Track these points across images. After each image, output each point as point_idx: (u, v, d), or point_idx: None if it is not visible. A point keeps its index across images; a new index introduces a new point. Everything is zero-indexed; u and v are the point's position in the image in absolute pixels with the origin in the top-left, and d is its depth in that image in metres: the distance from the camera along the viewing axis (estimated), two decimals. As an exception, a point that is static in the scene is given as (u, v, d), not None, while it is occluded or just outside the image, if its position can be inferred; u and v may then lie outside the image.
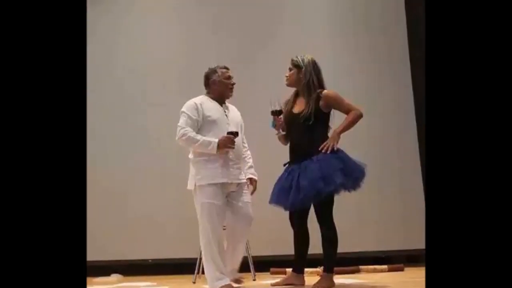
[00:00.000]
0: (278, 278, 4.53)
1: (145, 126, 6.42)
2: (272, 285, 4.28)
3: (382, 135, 6.29)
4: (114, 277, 5.87)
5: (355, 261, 5.68)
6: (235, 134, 4.06)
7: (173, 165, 5.80)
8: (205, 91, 4.32)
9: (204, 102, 4.20)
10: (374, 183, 4.66)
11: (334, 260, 4.04)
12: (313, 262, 4.72)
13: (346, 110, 4.09)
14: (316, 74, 4.12)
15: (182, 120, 4.12)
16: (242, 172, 4.24)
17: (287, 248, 4.33)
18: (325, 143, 3.98)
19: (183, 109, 4.16)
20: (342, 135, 4.03)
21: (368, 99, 5.86)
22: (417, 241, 5.58)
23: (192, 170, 4.19)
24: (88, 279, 4.84)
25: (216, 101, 4.25)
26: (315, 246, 4.08)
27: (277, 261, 5.57)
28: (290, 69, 4.19)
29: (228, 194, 4.13)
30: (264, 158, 4.86)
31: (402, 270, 5.61)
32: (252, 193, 4.33)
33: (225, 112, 4.24)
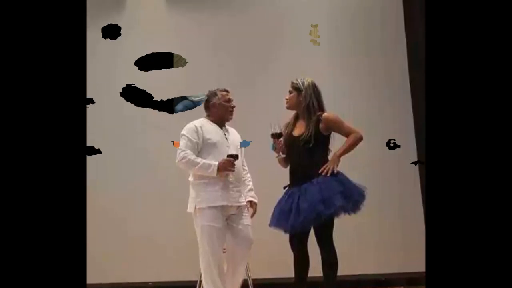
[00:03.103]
0: (278, 301, 4.51)
1: (145, 148, 6.43)
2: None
3: (382, 157, 6.27)
4: (114, 300, 5.85)
5: (355, 284, 5.66)
6: (235, 157, 4.07)
7: (173, 187, 5.78)
8: (205, 113, 4.34)
9: (204, 124, 4.21)
10: (374, 205, 4.62)
11: (334, 283, 4.02)
12: (313, 285, 4.67)
13: (346, 132, 4.09)
14: (316, 97, 4.11)
15: (182, 143, 4.13)
16: (242, 195, 4.24)
17: (287, 271, 4.29)
18: (325, 165, 3.97)
19: (183, 131, 4.18)
20: (342, 158, 4.03)
21: (368, 122, 5.85)
22: (417, 263, 5.52)
23: (192, 192, 4.19)
24: (87, 302, 4.81)
25: (216, 124, 4.26)
26: (315, 269, 4.05)
27: (277, 284, 5.54)
28: (290, 92, 4.19)
29: (228, 217, 4.13)
30: (264, 181, 4.84)
31: (402, 293, 5.60)
32: (252, 216, 4.32)
33: (225, 135, 4.25)
